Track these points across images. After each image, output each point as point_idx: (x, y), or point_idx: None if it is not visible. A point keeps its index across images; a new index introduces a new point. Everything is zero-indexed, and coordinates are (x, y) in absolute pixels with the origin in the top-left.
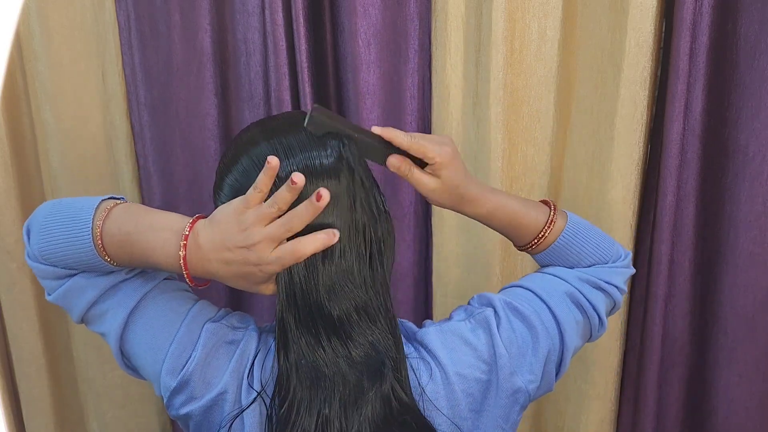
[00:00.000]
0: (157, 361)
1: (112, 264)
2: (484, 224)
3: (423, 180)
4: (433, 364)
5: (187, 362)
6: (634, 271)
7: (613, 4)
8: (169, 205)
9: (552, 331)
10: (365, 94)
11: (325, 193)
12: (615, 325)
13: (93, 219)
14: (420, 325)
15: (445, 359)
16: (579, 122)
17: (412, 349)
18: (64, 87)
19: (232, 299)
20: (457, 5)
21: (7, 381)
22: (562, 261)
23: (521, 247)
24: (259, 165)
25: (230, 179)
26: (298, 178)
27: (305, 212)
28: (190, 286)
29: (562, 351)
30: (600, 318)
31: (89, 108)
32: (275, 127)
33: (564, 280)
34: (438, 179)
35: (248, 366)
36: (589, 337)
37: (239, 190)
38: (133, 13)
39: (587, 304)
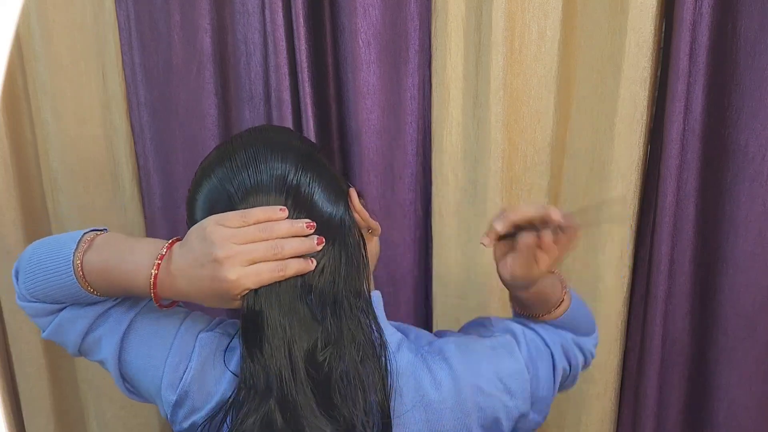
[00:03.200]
0: (156, 377)
1: (95, 294)
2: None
3: (543, 258)
4: (444, 374)
5: (184, 374)
6: (598, 342)
7: (612, 4)
8: (169, 205)
9: (551, 372)
10: (365, 94)
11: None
12: (615, 325)
13: (74, 252)
14: (431, 328)
15: (462, 369)
16: (579, 122)
17: (418, 358)
18: (64, 87)
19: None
20: (457, 5)
21: (7, 381)
22: (566, 326)
23: (531, 316)
24: (217, 188)
25: (198, 206)
26: (311, 227)
27: (301, 247)
28: (158, 306)
29: (552, 394)
30: (575, 377)
31: (89, 108)
32: (230, 148)
33: (559, 335)
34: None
35: None
36: (563, 382)
37: (208, 215)
38: (133, 13)
39: (574, 359)
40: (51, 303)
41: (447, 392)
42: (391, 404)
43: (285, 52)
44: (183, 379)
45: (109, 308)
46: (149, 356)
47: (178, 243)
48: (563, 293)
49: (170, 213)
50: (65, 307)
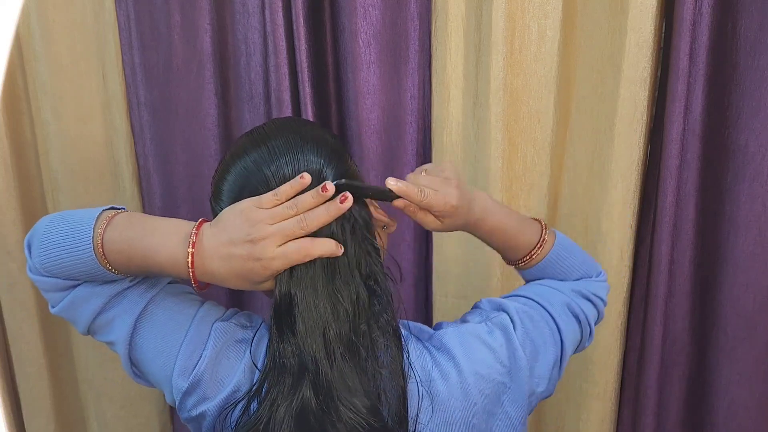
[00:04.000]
0: (168, 363)
1: (114, 272)
2: (481, 240)
3: (427, 221)
4: (449, 365)
5: (198, 362)
6: (610, 287)
7: (612, 4)
8: (169, 205)
9: (556, 338)
10: (365, 94)
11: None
12: (615, 325)
13: (94, 228)
14: (431, 326)
15: (463, 359)
16: (579, 122)
17: (425, 350)
18: (64, 87)
19: (233, 301)
20: (457, 5)
21: (7, 381)
22: (551, 275)
23: (511, 262)
24: (252, 170)
25: (227, 186)
26: (330, 186)
27: (324, 213)
28: (193, 288)
29: (561, 358)
30: (590, 328)
31: (89, 108)
32: (264, 133)
33: (560, 291)
34: (441, 223)
35: (261, 362)
36: (577, 346)
37: (237, 196)
38: (133, 13)
39: (582, 314)
40: (65, 279)
41: (454, 384)
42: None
43: (285, 52)
44: (197, 367)
45: (125, 289)
46: (163, 341)
47: (208, 224)
48: (542, 236)
49: (170, 213)
50: (79, 285)
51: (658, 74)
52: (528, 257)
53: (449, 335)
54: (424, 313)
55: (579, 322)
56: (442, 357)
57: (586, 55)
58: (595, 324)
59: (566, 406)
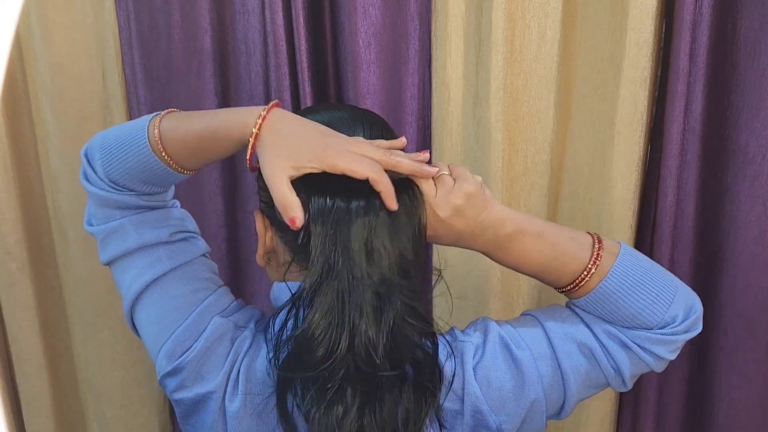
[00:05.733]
0: (159, 338)
1: (171, 164)
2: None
3: (429, 190)
4: None
5: (187, 351)
6: (696, 333)
7: (613, 4)
8: None
9: (548, 380)
10: (365, 94)
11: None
12: None
13: (150, 120)
14: None
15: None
16: (579, 122)
17: None
18: (64, 87)
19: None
20: (457, 5)
21: (7, 381)
22: (608, 313)
23: (561, 290)
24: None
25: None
26: (427, 154)
27: (408, 163)
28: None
29: (564, 400)
30: (623, 379)
31: (89, 108)
32: (328, 106)
33: (590, 329)
34: (439, 210)
35: (237, 367)
36: (606, 385)
37: None
38: (133, 13)
39: (607, 363)
40: (129, 191)
41: None
42: None
43: (285, 52)
44: (184, 355)
45: (163, 242)
46: (164, 315)
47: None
48: (592, 262)
49: None
50: (132, 215)
51: (658, 74)
52: (574, 285)
53: None
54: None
55: (598, 367)
56: None
57: (587, 55)
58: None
59: None
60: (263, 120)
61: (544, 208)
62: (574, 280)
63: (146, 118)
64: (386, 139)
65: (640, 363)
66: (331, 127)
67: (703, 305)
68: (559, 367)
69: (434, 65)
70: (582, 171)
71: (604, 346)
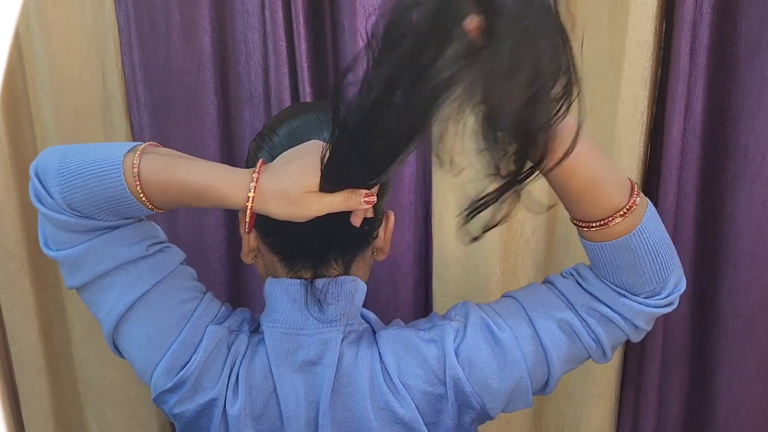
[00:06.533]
0: (152, 358)
1: (146, 202)
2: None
3: None
4: (380, 367)
5: (186, 364)
6: (671, 309)
7: (613, 4)
8: None
9: (532, 359)
10: None
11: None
12: None
13: (126, 153)
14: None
15: (392, 366)
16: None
17: (373, 347)
18: (64, 87)
19: (231, 298)
20: None
21: (7, 381)
22: (617, 266)
23: (579, 223)
24: (298, 132)
25: (280, 138)
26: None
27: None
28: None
29: (548, 376)
30: (604, 351)
31: (89, 108)
32: (312, 104)
33: (571, 305)
34: None
35: (236, 371)
36: (587, 358)
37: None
38: (132, 13)
39: (588, 336)
40: (90, 218)
41: (384, 385)
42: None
43: (285, 52)
44: (185, 369)
45: (140, 258)
46: (156, 333)
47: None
48: (631, 199)
49: (169, 213)
50: (99, 236)
51: (658, 74)
52: (603, 223)
53: (383, 339)
54: (424, 314)
55: (579, 341)
56: (375, 360)
57: (586, 54)
58: (620, 344)
59: (566, 406)
60: (257, 182)
61: (544, 208)
62: (606, 217)
63: (118, 149)
64: None
65: (620, 334)
66: (299, 132)
67: (703, 305)
68: (542, 345)
69: None
70: None
71: (583, 320)
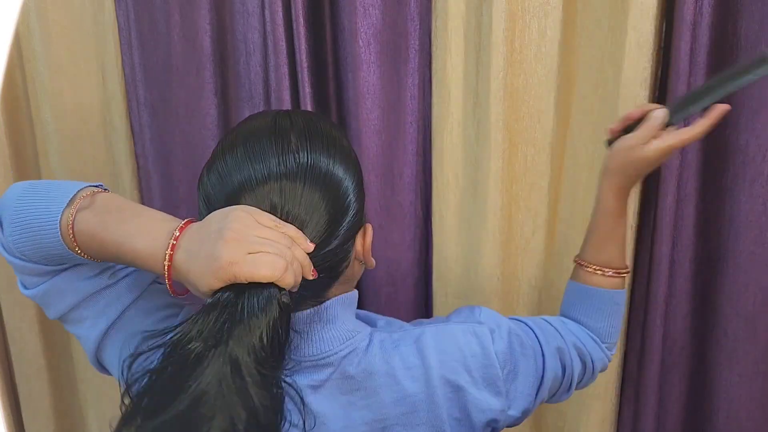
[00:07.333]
0: None
1: (84, 256)
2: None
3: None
4: (415, 360)
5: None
6: (607, 363)
7: (613, 3)
8: (168, 205)
9: (539, 373)
10: (365, 94)
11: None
12: None
13: (65, 209)
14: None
15: (434, 362)
16: (579, 122)
17: (389, 344)
18: (64, 87)
19: None
20: (457, 5)
21: (7, 381)
22: (582, 305)
23: (582, 260)
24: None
25: (212, 179)
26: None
27: (305, 261)
28: (169, 291)
29: (536, 395)
30: (571, 385)
31: (89, 108)
32: (249, 129)
33: (562, 337)
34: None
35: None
36: (553, 395)
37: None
38: (132, 13)
39: (570, 367)
40: (39, 263)
41: (419, 382)
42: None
43: (285, 52)
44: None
45: (104, 288)
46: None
47: (195, 224)
48: (622, 272)
49: (169, 213)
50: (57, 275)
51: (659, 74)
52: (598, 269)
53: (427, 335)
54: (424, 313)
55: (564, 371)
56: (408, 349)
57: (587, 54)
58: (576, 388)
59: (566, 406)
60: (170, 260)
61: (544, 208)
62: (612, 267)
63: (61, 200)
64: (307, 144)
65: (583, 371)
66: (224, 173)
67: (704, 305)
68: (544, 364)
69: (434, 65)
70: (582, 171)
71: (570, 355)
